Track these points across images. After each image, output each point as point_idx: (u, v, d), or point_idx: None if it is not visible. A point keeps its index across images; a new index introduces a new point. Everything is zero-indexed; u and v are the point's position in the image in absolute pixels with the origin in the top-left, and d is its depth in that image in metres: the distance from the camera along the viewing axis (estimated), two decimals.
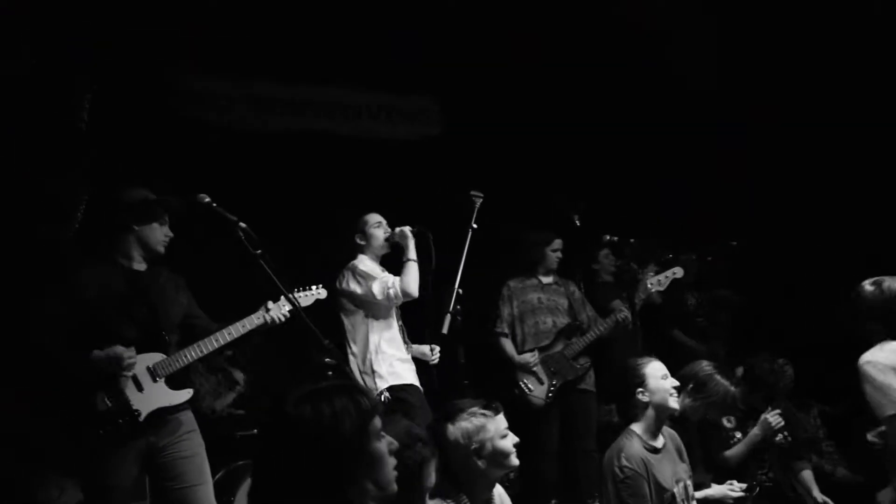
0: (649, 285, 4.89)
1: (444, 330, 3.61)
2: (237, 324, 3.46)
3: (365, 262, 4.29)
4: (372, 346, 4.15)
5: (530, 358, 5.03)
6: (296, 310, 3.32)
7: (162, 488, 3.30)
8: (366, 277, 4.20)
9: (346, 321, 4.27)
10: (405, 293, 4.10)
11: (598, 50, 6.23)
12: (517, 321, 5.14)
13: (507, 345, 5.12)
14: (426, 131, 6.49)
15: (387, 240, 4.31)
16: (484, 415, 2.67)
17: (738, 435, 4.23)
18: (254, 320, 3.48)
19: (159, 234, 3.41)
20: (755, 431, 4.16)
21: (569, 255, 5.40)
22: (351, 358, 4.19)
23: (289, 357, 4.59)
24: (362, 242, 4.35)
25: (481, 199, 4.05)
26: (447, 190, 4.68)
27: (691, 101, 6.35)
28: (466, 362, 3.78)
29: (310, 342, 3.29)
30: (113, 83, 5.11)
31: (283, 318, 3.51)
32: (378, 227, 4.34)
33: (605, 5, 6.11)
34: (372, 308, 4.23)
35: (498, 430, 2.68)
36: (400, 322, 4.31)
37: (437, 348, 4.21)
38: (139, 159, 5.18)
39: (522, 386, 5.00)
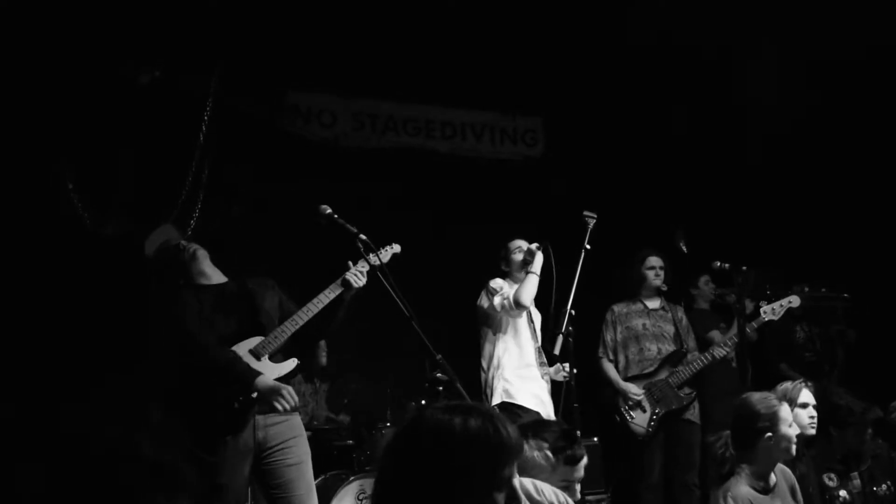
0: (763, 314, 4.71)
1: (556, 351, 3.55)
2: (322, 293, 3.41)
3: (496, 280, 4.38)
4: (495, 361, 4.27)
5: (634, 390, 4.90)
6: (374, 267, 3.29)
7: (266, 494, 3.32)
8: (492, 293, 4.32)
9: (481, 338, 4.42)
10: (516, 302, 4.16)
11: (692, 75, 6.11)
12: (620, 347, 5.03)
13: (610, 369, 5.01)
14: (529, 152, 6.49)
15: (522, 261, 4.41)
16: (547, 457, 2.53)
17: (843, 493, 4.01)
18: (336, 286, 3.43)
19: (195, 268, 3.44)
20: None
21: (672, 280, 5.25)
22: (482, 375, 4.30)
23: (398, 371, 4.63)
24: (506, 269, 4.49)
25: (595, 220, 3.99)
26: (553, 211, 4.66)
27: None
28: (577, 385, 3.71)
29: (423, 356, 3.27)
30: (227, 96, 5.28)
31: (360, 277, 3.43)
32: (519, 253, 4.46)
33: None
34: (495, 323, 4.35)
35: (560, 481, 2.51)
36: (538, 344, 4.34)
37: (566, 366, 4.07)
38: (247, 171, 5.34)
39: (624, 413, 4.88)
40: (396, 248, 3.71)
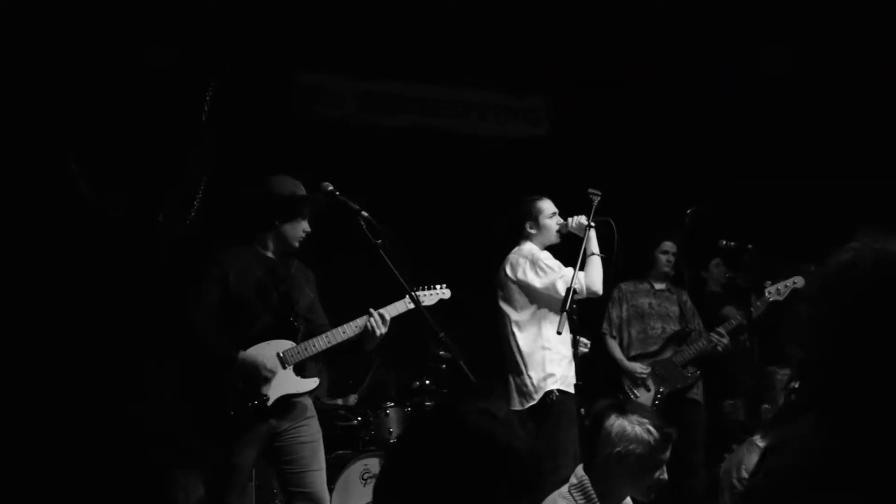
0: (767, 294, 4.67)
1: (559, 330, 3.53)
2: (346, 325, 3.42)
3: (546, 254, 4.07)
4: (547, 343, 3.95)
5: (640, 368, 4.86)
6: (417, 307, 3.29)
7: (279, 470, 3.36)
8: (547, 271, 3.97)
9: (511, 313, 4.07)
10: (591, 291, 3.90)
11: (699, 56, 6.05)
12: (625, 324, 4.99)
13: (614, 347, 4.98)
14: (534, 131, 6.46)
15: (559, 231, 4.14)
16: (650, 432, 2.45)
17: None
18: (357, 327, 3.40)
19: (299, 230, 3.43)
20: None
21: (679, 260, 5.22)
22: (516, 355, 4.00)
23: (403, 350, 4.60)
24: (533, 231, 4.15)
25: (599, 197, 3.93)
26: (558, 189, 4.61)
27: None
28: (578, 363, 3.70)
29: (427, 334, 3.27)
30: (232, 78, 5.26)
31: (378, 328, 3.37)
32: (552, 218, 4.15)
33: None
34: (548, 302, 4.00)
35: (654, 460, 2.47)
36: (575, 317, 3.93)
37: (585, 341, 3.96)
38: (254, 152, 5.33)
39: (628, 391, 4.86)
40: (445, 293, 3.61)
